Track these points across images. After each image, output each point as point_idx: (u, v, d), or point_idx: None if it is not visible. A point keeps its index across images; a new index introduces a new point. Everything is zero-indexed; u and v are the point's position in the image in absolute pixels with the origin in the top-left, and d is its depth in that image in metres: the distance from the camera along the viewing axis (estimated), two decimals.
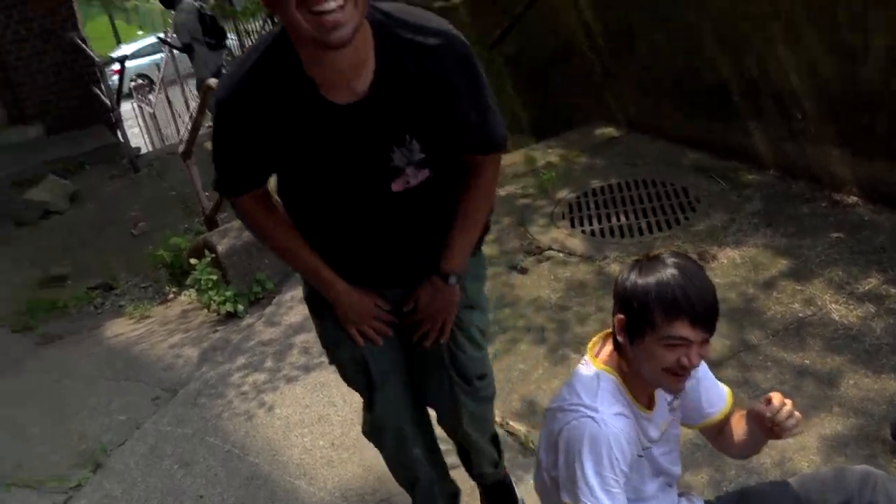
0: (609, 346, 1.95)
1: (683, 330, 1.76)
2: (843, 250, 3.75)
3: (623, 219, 4.47)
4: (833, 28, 3.81)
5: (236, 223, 4.94)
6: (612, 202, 4.67)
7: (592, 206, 4.69)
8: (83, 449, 3.85)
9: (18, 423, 4.23)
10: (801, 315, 3.42)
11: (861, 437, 2.79)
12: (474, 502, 2.75)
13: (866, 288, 3.49)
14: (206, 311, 4.98)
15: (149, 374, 4.49)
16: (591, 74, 5.73)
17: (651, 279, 1.80)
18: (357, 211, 2.03)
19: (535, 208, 4.83)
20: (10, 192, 8.09)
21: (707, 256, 3.94)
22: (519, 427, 3.17)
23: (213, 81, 5.70)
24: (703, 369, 2.03)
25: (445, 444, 2.61)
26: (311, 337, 4.05)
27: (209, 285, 4.91)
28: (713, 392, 2.06)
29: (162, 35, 11.72)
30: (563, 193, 4.92)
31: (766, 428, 1.87)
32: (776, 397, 1.84)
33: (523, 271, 4.24)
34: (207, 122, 5.74)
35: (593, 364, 1.94)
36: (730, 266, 3.85)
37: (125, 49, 24.34)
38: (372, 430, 2.45)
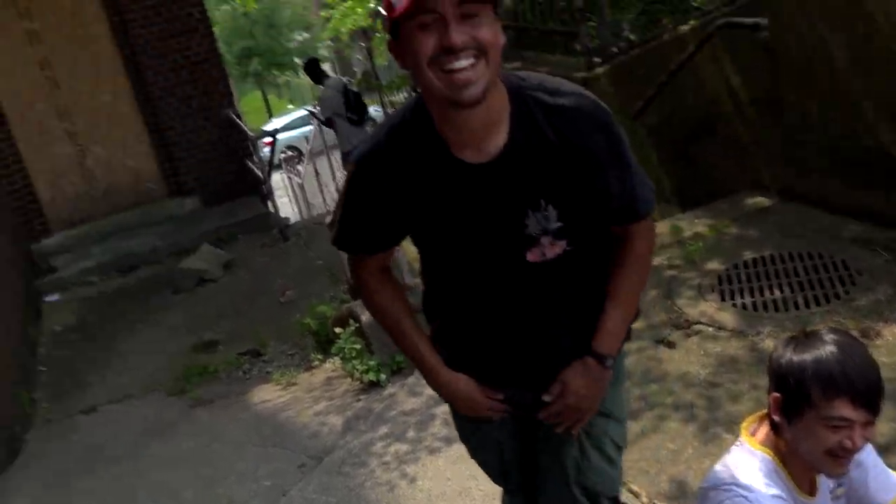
0: (765, 427, 1.85)
1: (844, 410, 1.67)
2: None
3: (777, 292, 4.29)
4: None
5: None
6: (766, 275, 4.49)
7: (744, 278, 4.52)
8: None
9: (172, 488, 4.37)
10: None
11: None
12: None
13: None
14: (349, 379, 5.04)
15: (294, 441, 4.56)
16: (739, 142, 5.59)
17: (808, 356, 1.72)
18: (491, 283, 1.95)
19: (683, 280, 4.69)
20: (169, 261, 8.52)
21: (870, 333, 3.71)
22: None
23: None
24: (870, 453, 1.90)
25: None
26: None
27: (353, 354, 4.99)
28: (883, 479, 1.91)
29: (311, 108, 12.22)
30: (713, 265, 4.77)
31: None
32: None
33: (671, 345, 4.11)
34: None
35: (749, 444, 1.84)
36: None
37: (276, 122, 25.49)
38: None
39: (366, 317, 5.06)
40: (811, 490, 1.84)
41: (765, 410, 1.87)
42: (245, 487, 4.17)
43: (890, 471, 1.94)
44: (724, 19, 5.26)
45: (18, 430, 5.42)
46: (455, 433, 3.92)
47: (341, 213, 1.99)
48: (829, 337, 1.75)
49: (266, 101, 38.86)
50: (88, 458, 4.97)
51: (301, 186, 11.73)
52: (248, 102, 39.67)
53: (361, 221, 1.96)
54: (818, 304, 4.09)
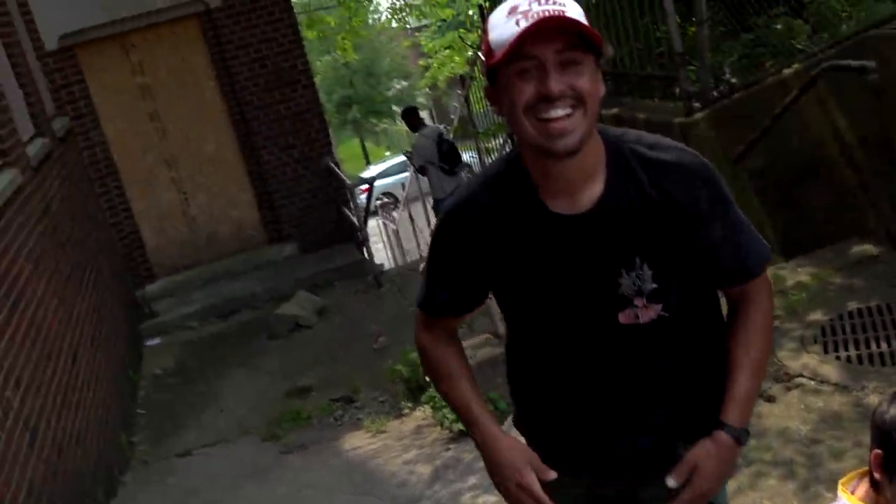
0: (865, 484, 1.76)
1: None
2: None
3: (884, 345, 4.08)
4: None
5: (470, 341, 4.99)
6: (872, 326, 4.28)
7: (849, 330, 4.33)
8: None
9: None
10: None
11: None
12: None
13: None
14: (439, 428, 5.01)
15: (383, 489, 4.55)
16: (845, 187, 5.40)
17: None
18: (579, 345, 1.83)
19: (784, 331, 4.52)
20: (267, 306, 8.69)
21: None
22: None
23: None
24: None
25: None
26: None
27: (443, 403, 4.95)
28: None
29: (408, 152, 12.42)
30: (816, 316, 4.58)
31: None
32: None
33: (770, 399, 3.94)
34: None
35: (847, 500, 1.74)
36: None
37: (373, 169, 25.95)
38: None
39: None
40: None
41: (866, 468, 1.78)
42: None
43: None
44: (829, 62, 5.11)
45: (116, 471, 5.57)
46: None
47: (427, 270, 1.94)
48: None
49: (364, 148, 39.67)
50: (184, 501, 5.06)
51: (396, 232, 11.87)
52: (346, 149, 40.57)
53: (447, 275, 1.89)
54: None
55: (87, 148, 9.27)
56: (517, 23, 1.60)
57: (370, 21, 27.75)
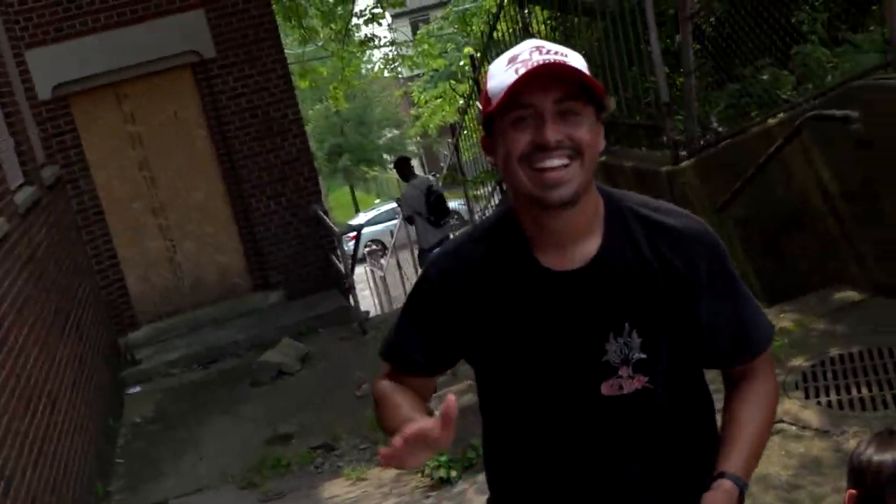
0: None
1: None
2: None
3: (865, 390, 4.05)
4: None
5: (453, 388, 4.95)
6: (853, 372, 4.26)
7: (830, 375, 4.30)
8: None
9: None
10: None
11: None
12: None
13: None
14: (419, 475, 4.95)
15: None
16: (829, 237, 5.41)
17: (888, 455, 1.65)
18: (557, 416, 1.72)
19: None
20: (250, 354, 8.63)
21: None
22: None
23: None
24: None
25: None
26: None
27: None
28: None
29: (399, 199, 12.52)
30: (798, 361, 4.56)
31: None
32: None
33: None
34: None
35: None
36: None
37: (363, 217, 26.06)
38: None
39: (438, 411, 4.98)
40: None
41: None
42: None
43: None
44: (812, 112, 5.15)
45: None
46: None
47: (400, 320, 1.84)
48: None
49: (353, 195, 39.87)
50: None
51: (383, 279, 11.87)
52: (336, 197, 40.78)
53: (421, 327, 1.78)
54: None
55: (76, 195, 9.28)
56: (516, 71, 1.56)
57: (363, 71, 28.03)
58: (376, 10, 15.58)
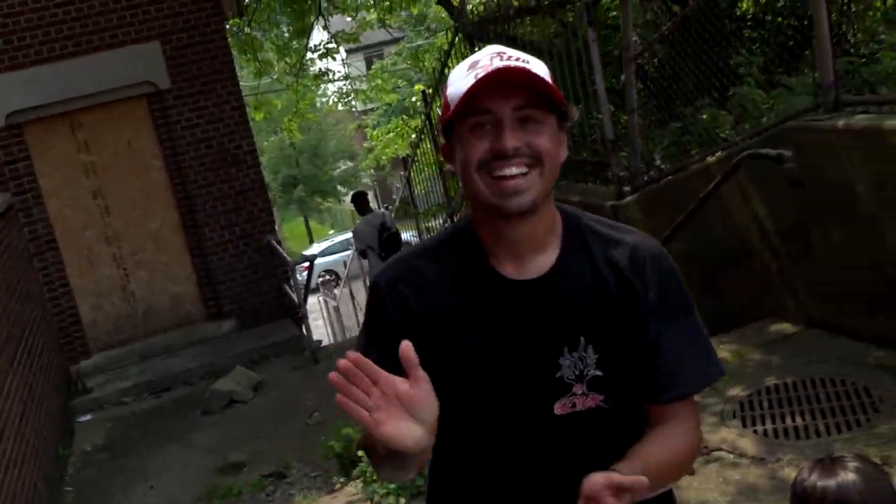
0: None
1: None
2: None
3: (799, 419, 4.24)
4: None
5: None
6: (788, 401, 4.45)
7: (766, 405, 4.48)
8: None
9: None
10: None
11: None
12: None
13: None
14: (369, 503, 5.01)
15: None
16: (766, 272, 5.62)
17: (831, 482, 1.73)
18: (507, 436, 1.67)
19: (704, 406, 4.65)
20: (202, 382, 8.62)
21: (892, 462, 3.64)
22: None
23: None
24: None
25: None
26: None
27: (373, 477, 4.97)
28: None
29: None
30: (735, 391, 4.73)
31: None
32: None
33: (690, 472, 4.04)
34: None
35: None
36: None
37: (317, 247, 26.04)
38: None
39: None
40: None
41: None
42: None
43: None
44: (749, 150, 5.34)
45: None
46: None
47: (359, 337, 1.79)
48: (852, 465, 1.76)
49: (308, 226, 39.77)
50: None
51: (336, 309, 11.91)
52: (291, 228, 40.62)
53: (376, 340, 1.69)
54: (839, 431, 4.03)
55: (29, 224, 9.21)
56: (476, 76, 1.54)
57: (318, 104, 28.14)
58: (331, 45, 15.77)
